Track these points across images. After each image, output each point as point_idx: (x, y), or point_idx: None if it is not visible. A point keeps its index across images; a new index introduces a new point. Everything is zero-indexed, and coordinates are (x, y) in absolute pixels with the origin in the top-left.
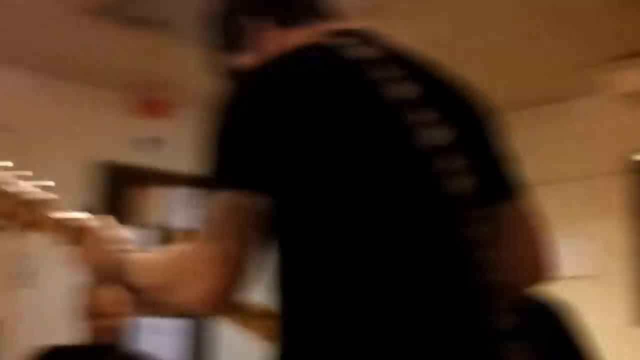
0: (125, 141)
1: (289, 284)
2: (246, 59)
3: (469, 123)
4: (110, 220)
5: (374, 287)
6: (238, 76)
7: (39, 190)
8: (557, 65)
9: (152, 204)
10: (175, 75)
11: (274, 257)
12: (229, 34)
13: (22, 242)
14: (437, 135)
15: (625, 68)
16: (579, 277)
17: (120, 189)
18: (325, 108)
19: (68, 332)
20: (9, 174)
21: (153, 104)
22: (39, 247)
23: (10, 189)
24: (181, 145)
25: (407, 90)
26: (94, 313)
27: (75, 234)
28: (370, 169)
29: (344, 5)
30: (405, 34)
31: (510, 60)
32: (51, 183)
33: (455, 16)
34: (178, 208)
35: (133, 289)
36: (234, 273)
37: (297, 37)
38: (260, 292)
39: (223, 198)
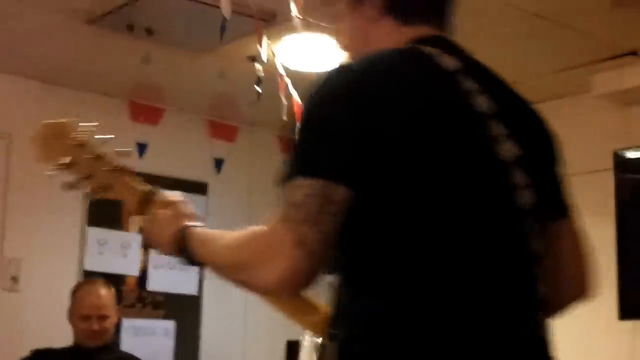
0: (114, 145)
1: (357, 280)
2: (354, 48)
3: (532, 140)
4: (177, 194)
5: (443, 286)
6: (344, 67)
7: (115, 155)
8: (545, 66)
9: None
10: (162, 81)
11: (345, 250)
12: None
13: (5, 245)
14: (508, 149)
15: (613, 68)
16: None
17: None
18: (422, 113)
19: (52, 335)
20: (93, 134)
21: (141, 109)
22: (22, 251)
23: (93, 148)
24: (166, 149)
25: (485, 103)
26: (79, 316)
27: (145, 202)
28: (456, 175)
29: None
30: None
31: (499, 61)
32: (130, 149)
33: None
34: None
35: (196, 263)
36: (308, 259)
37: (404, 35)
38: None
39: (306, 184)
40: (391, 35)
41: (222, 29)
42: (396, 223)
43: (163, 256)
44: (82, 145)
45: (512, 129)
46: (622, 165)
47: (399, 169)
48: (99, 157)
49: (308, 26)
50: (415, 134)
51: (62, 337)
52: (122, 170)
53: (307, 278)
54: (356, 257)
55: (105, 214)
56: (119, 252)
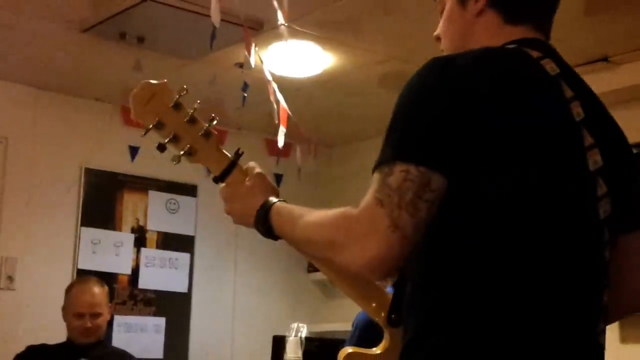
0: (107, 148)
1: (431, 274)
2: (454, 42)
3: (613, 151)
4: (258, 167)
5: (522, 285)
6: (448, 57)
7: (205, 122)
8: None
9: (132, 209)
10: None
11: (427, 243)
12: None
13: (1, 245)
14: (594, 159)
15: (585, 74)
16: None
17: (107, 194)
18: (525, 115)
19: (47, 332)
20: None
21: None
22: (18, 250)
23: (185, 111)
24: (157, 152)
25: (580, 111)
26: (73, 314)
27: (225, 169)
28: (548, 181)
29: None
30: (382, 48)
31: None
32: (214, 116)
33: (429, 29)
34: (155, 212)
35: (271, 235)
36: (401, 243)
37: (505, 35)
38: None
39: (404, 169)
40: (492, 32)
41: (213, 37)
42: (481, 220)
43: (155, 255)
44: (176, 107)
45: (597, 138)
46: None
47: (493, 167)
48: (190, 121)
49: (294, 34)
50: (515, 135)
51: (56, 334)
52: (209, 137)
53: (397, 262)
54: (439, 253)
55: (98, 214)
56: (111, 251)
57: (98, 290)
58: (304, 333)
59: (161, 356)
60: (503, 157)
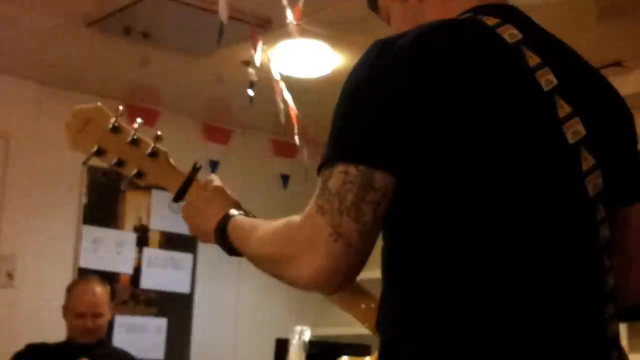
0: None
1: (403, 275)
2: (401, 20)
3: (600, 117)
4: (217, 179)
5: (506, 276)
6: (387, 39)
7: (150, 140)
8: None
9: (134, 207)
10: (158, 84)
11: (390, 242)
12: None
13: (1, 242)
14: (573, 130)
15: None
16: None
17: (109, 192)
18: (481, 91)
19: (46, 331)
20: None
21: (137, 112)
22: (18, 248)
23: (126, 133)
24: None
25: (550, 78)
26: (74, 313)
27: (182, 187)
28: (520, 160)
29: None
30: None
31: None
32: (160, 133)
33: None
34: (158, 211)
35: (234, 252)
36: (346, 253)
37: (458, 6)
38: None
39: (343, 170)
40: (444, 8)
41: (220, 34)
42: (450, 213)
43: (157, 254)
44: (114, 130)
45: (577, 105)
46: None
47: (452, 153)
48: (133, 143)
49: (303, 32)
50: (472, 115)
51: (57, 333)
52: (158, 155)
53: (346, 273)
54: (403, 250)
55: (100, 212)
56: (113, 250)
57: (100, 290)
58: (307, 336)
59: (162, 357)
60: (460, 143)
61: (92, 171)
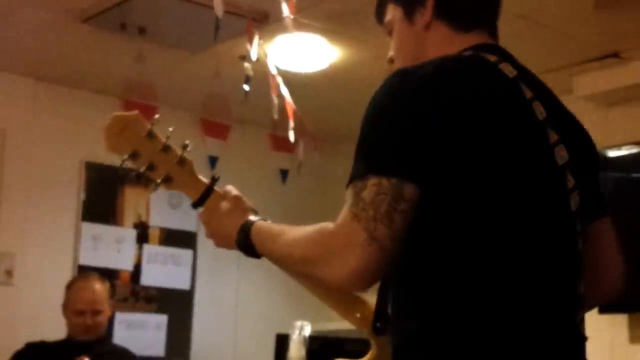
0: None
1: (417, 278)
2: (409, 57)
3: (576, 146)
4: (234, 189)
5: (500, 283)
6: (411, 68)
7: (179, 149)
8: (528, 67)
9: (134, 204)
10: (155, 80)
11: (404, 251)
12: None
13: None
14: (561, 155)
15: (596, 70)
16: None
17: (108, 189)
18: (490, 117)
19: (46, 329)
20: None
21: (134, 107)
22: (17, 245)
23: (159, 140)
24: None
25: (541, 110)
26: (74, 311)
27: (204, 194)
28: (520, 180)
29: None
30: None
31: None
32: (189, 142)
33: None
34: (157, 208)
35: (255, 254)
36: (380, 255)
37: (460, 43)
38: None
39: (376, 182)
40: (445, 43)
41: (216, 28)
42: (459, 226)
43: (157, 251)
44: (149, 136)
45: (561, 135)
46: (603, 163)
47: (466, 171)
48: (164, 150)
49: (299, 26)
50: (483, 136)
51: (56, 330)
52: (184, 163)
53: (378, 273)
54: (413, 257)
55: (99, 209)
56: (113, 247)
57: (99, 287)
58: (307, 332)
59: (162, 354)
60: (473, 161)
61: (90, 167)
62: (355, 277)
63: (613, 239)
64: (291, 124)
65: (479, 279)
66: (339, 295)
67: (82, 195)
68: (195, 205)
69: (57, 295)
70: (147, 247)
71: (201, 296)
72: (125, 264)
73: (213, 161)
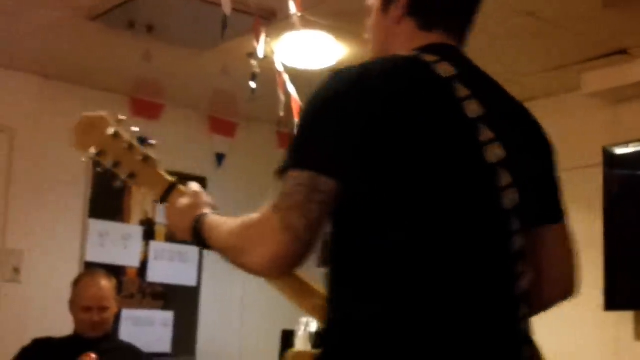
0: None
1: (343, 271)
2: (375, 47)
3: (520, 143)
4: (196, 185)
5: (427, 279)
6: (341, 71)
7: (144, 148)
8: (537, 65)
9: (141, 201)
10: (163, 78)
11: (332, 242)
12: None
13: (7, 237)
14: (493, 152)
15: (603, 67)
16: None
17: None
18: (411, 117)
19: (53, 325)
20: (121, 126)
21: (142, 105)
22: (24, 242)
23: (124, 139)
24: (167, 144)
25: (476, 108)
26: (80, 307)
27: (167, 192)
28: (443, 178)
29: (332, 9)
30: None
31: (491, 60)
32: (154, 142)
33: None
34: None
35: (208, 247)
36: (294, 243)
37: (419, 41)
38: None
39: (296, 175)
40: (408, 39)
41: (224, 26)
42: (382, 222)
43: (164, 248)
44: (115, 136)
45: (499, 132)
46: (610, 160)
47: (387, 169)
48: (129, 148)
49: (306, 24)
50: (403, 136)
51: (63, 327)
52: (148, 161)
53: (294, 261)
54: (342, 252)
55: (106, 206)
56: (119, 243)
57: (106, 283)
58: (313, 328)
59: (169, 350)
60: (394, 158)
61: (97, 165)
62: (272, 265)
63: (563, 246)
64: (296, 121)
65: (400, 276)
66: (295, 285)
67: (89, 192)
68: (159, 201)
69: (65, 292)
70: (153, 244)
71: (207, 292)
72: (131, 260)
73: (220, 158)
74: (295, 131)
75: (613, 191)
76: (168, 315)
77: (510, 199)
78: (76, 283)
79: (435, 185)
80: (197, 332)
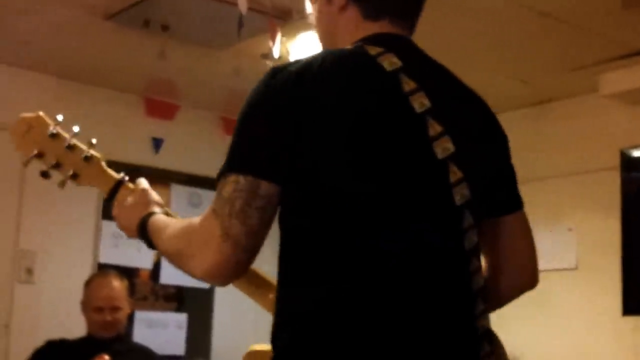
0: (129, 140)
1: (287, 270)
2: (321, 36)
3: (471, 135)
4: (144, 182)
5: (378, 278)
6: (278, 69)
7: (84, 145)
8: (555, 66)
9: None
10: (177, 77)
11: (281, 241)
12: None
13: (20, 238)
14: (442, 147)
15: (622, 68)
16: (572, 269)
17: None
18: (354, 114)
19: (66, 327)
20: (60, 127)
21: (157, 105)
22: (37, 243)
23: (64, 139)
24: (182, 145)
25: (423, 102)
26: (93, 308)
27: (112, 190)
28: (389, 175)
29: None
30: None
31: (508, 61)
32: (93, 140)
33: (453, 17)
34: (178, 206)
35: (153, 247)
36: (234, 250)
37: (363, 31)
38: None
39: (234, 179)
40: (352, 29)
41: (239, 25)
42: (325, 220)
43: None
44: (53, 136)
45: (448, 125)
46: (628, 163)
47: (327, 166)
48: (69, 148)
49: None
50: (346, 133)
51: (76, 328)
52: (91, 159)
53: (236, 268)
54: (286, 248)
55: None
56: (133, 245)
57: (117, 284)
58: None
59: (183, 353)
60: (335, 158)
61: (110, 165)
62: (214, 271)
63: (525, 232)
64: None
65: (343, 277)
66: (254, 282)
67: (102, 194)
68: (108, 199)
69: (78, 293)
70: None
71: (221, 295)
72: (145, 262)
73: None
74: (234, 130)
75: (631, 194)
76: (182, 317)
77: (461, 194)
78: (88, 284)
79: (384, 185)
80: (211, 334)
